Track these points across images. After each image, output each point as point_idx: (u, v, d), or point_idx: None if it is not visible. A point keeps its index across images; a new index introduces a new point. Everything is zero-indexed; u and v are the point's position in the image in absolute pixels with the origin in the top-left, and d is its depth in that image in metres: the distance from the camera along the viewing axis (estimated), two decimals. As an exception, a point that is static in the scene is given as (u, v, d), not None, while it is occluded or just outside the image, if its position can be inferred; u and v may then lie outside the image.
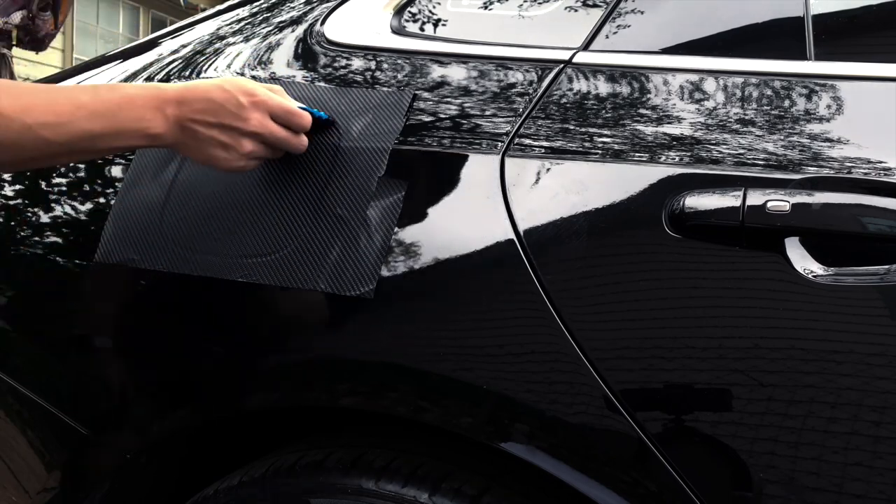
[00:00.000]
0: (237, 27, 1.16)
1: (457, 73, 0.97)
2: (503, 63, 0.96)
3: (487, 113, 0.92)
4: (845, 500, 0.75)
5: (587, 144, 0.87)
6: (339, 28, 1.06)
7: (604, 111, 0.89)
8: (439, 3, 1.06)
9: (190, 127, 0.91)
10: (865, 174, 0.78)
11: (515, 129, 0.90)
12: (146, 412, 1.01)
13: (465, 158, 0.90)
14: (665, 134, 0.85)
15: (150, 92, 0.92)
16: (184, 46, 1.17)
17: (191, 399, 0.99)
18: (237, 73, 1.08)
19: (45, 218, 1.10)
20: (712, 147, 0.83)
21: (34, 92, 0.88)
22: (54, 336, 1.07)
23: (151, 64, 1.16)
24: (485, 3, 1.04)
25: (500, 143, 0.89)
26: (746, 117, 0.84)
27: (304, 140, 0.95)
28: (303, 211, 0.93)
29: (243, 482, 0.96)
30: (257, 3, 1.19)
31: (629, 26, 0.95)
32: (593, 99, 0.90)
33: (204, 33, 1.18)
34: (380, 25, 1.05)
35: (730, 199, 0.79)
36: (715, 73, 0.87)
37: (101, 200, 1.08)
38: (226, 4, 1.24)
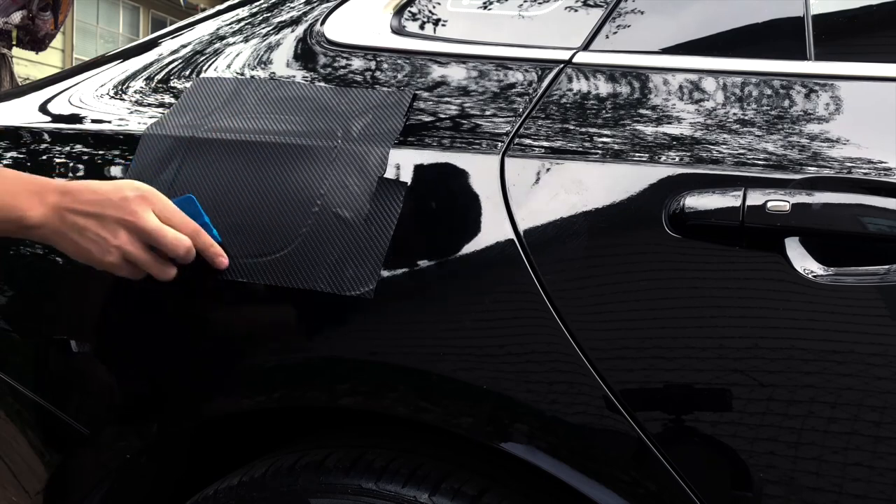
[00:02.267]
0: (237, 27, 1.16)
1: (457, 73, 0.97)
2: (503, 63, 0.96)
3: (487, 113, 0.92)
4: (845, 500, 0.76)
5: (587, 144, 0.87)
6: (339, 28, 1.06)
7: (604, 111, 0.89)
8: (439, 3, 1.06)
9: (69, 217, 0.89)
10: (865, 174, 0.78)
11: (515, 129, 0.90)
12: (146, 412, 1.01)
13: (464, 158, 0.90)
14: (665, 134, 0.85)
15: (32, 178, 0.91)
16: (184, 46, 1.17)
17: (190, 399, 0.99)
18: (237, 73, 1.08)
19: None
20: (712, 147, 0.83)
21: None
22: (54, 336, 1.07)
23: (151, 64, 1.16)
24: (485, 3, 1.04)
25: (500, 143, 0.89)
26: (746, 117, 0.84)
27: (171, 271, 0.93)
28: (303, 211, 0.93)
29: (243, 482, 0.96)
30: (257, 3, 1.19)
31: (629, 26, 0.95)
32: (593, 99, 0.90)
33: (204, 33, 1.18)
34: (380, 25, 1.05)
35: (730, 199, 0.79)
36: (715, 73, 0.87)
37: (101, 200, 1.07)
38: (226, 4, 1.24)
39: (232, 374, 0.96)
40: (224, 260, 0.93)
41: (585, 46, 0.94)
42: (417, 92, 0.96)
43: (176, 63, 1.14)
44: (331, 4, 1.09)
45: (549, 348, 0.82)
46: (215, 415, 0.99)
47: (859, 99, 0.83)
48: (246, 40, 1.13)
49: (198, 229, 0.92)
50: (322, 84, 1.02)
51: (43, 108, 1.18)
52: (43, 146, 1.13)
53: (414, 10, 1.06)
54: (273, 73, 1.07)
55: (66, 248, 0.92)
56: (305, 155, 0.95)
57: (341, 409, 0.95)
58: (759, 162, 0.81)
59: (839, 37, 0.92)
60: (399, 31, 1.04)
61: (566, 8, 0.99)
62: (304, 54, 1.07)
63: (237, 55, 1.11)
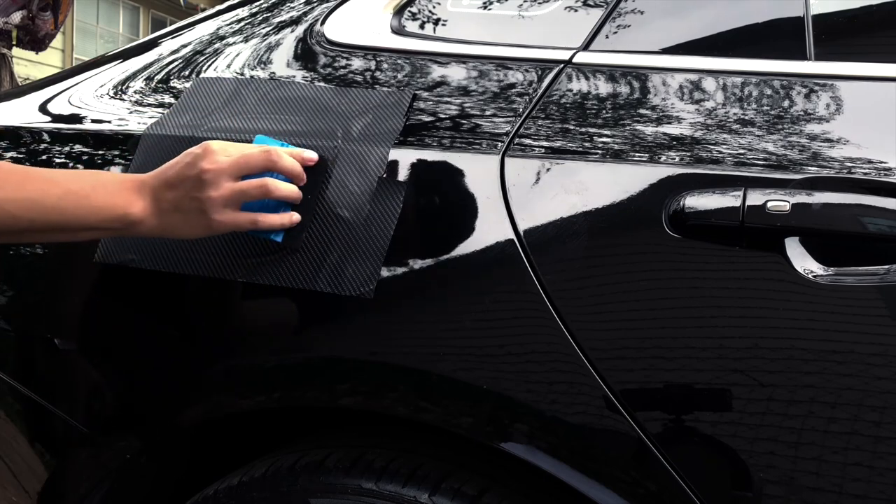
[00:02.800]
0: (237, 27, 1.16)
1: (457, 73, 0.97)
2: (503, 63, 0.96)
3: (487, 113, 0.92)
4: (845, 500, 0.76)
5: (587, 144, 0.87)
6: (339, 28, 1.06)
7: (604, 111, 0.89)
8: (439, 3, 1.06)
9: (163, 201, 0.89)
10: (865, 174, 0.78)
11: (515, 129, 0.90)
12: (146, 412, 1.01)
13: (464, 158, 0.90)
14: (665, 134, 0.85)
15: (124, 176, 0.91)
16: (184, 46, 1.17)
17: (190, 399, 0.99)
18: (237, 74, 1.08)
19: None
20: (712, 147, 0.83)
21: (9, 169, 0.86)
22: (54, 336, 1.07)
23: (151, 64, 1.16)
24: (485, 3, 1.04)
25: (500, 143, 0.89)
26: (746, 117, 0.84)
27: (288, 184, 0.90)
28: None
29: (243, 482, 0.96)
30: (257, 3, 1.19)
31: (629, 26, 0.95)
32: (593, 99, 0.90)
33: (204, 33, 1.18)
34: (380, 25, 1.05)
35: (730, 199, 0.79)
36: (715, 73, 0.87)
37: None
38: (226, 4, 1.24)
39: (232, 374, 0.96)
40: (313, 154, 0.92)
41: (585, 46, 0.94)
42: (417, 92, 0.96)
43: (176, 63, 1.14)
44: (331, 4, 1.09)
45: (549, 348, 0.82)
46: (215, 415, 0.99)
47: (859, 99, 0.83)
48: (246, 40, 1.13)
49: (266, 147, 0.91)
50: (322, 84, 1.01)
51: (43, 108, 1.18)
52: (43, 146, 1.13)
53: (414, 10, 1.06)
54: (273, 73, 1.07)
55: (178, 232, 0.91)
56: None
57: (341, 409, 0.95)
58: (759, 162, 0.81)
59: (839, 37, 0.92)
60: (399, 31, 1.04)
61: (566, 8, 0.99)
62: (304, 54, 1.07)
63: (237, 55, 1.11)
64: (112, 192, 0.89)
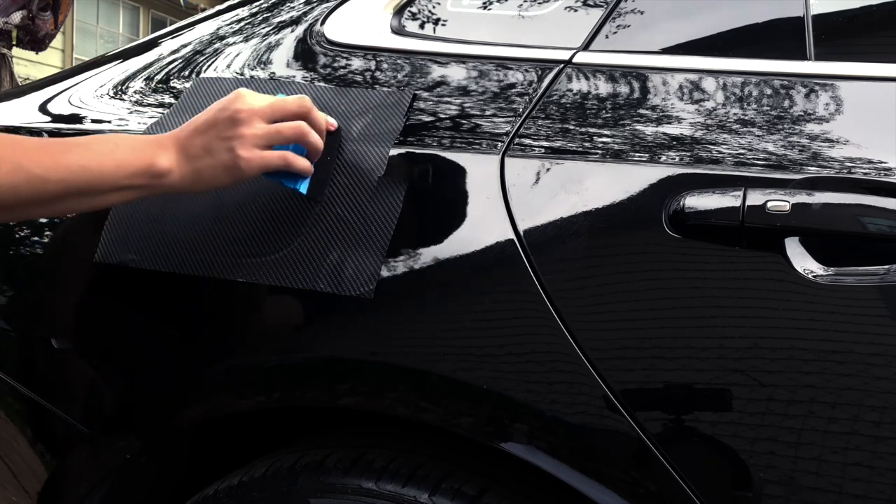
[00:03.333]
0: (237, 27, 1.16)
1: (457, 74, 0.97)
2: (503, 63, 0.96)
3: (487, 113, 0.92)
4: (845, 500, 0.76)
5: (587, 144, 0.87)
6: (338, 28, 1.06)
7: (604, 111, 0.89)
8: (439, 3, 1.06)
9: (192, 147, 0.89)
10: (865, 174, 0.78)
11: (515, 129, 0.90)
12: (146, 412, 1.01)
13: (464, 158, 0.90)
14: (665, 134, 0.85)
15: (146, 136, 0.91)
16: (184, 46, 1.17)
17: (190, 399, 0.99)
18: (237, 74, 1.08)
19: (44, 218, 1.10)
20: (712, 147, 0.83)
21: (29, 138, 0.86)
22: (54, 336, 1.07)
23: (151, 64, 1.16)
24: (485, 3, 1.04)
25: (500, 143, 0.89)
26: (746, 117, 0.84)
27: (314, 133, 0.91)
28: (303, 211, 0.93)
29: (243, 482, 0.96)
30: (257, 3, 1.19)
31: (629, 26, 0.95)
32: (593, 99, 0.90)
33: (204, 33, 1.18)
34: (380, 25, 1.05)
35: (730, 199, 0.79)
36: (715, 73, 0.87)
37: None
38: (226, 4, 1.24)
39: (232, 374, 0.96)
40: (333, 121, 0.94)
41: (585, 46, 0.94)
42: (417, 92, 0.96)
43: (176, 63, 1.14)
44: (331, 4, 1.09)
45: (549, 348, 0.82)
46: (215, 415, 0.99)
47: (859, 99, 0.83)
48: (246, 40, 1.13)
49: (301, 96, 0.92)
50: (322, 84, 1.01)
51: (43, 108, 1.18)
52: None
53: (414, 10, 1.06)
54: (273, 73, 1.07)
55: (207, 178, 0.90)
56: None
57: (341, 409, 0.95)
58: (759, 162, 0.81)
59: (839, 37, 0.92)
60: (399, 31, 1.04)
61: (566, 8, 0.99)
62: (304, 54, 1.07)
63: (237, 55, 1.11)
64: (136, 146, 0.88)
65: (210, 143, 0.89)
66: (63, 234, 1.09)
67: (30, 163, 0.83)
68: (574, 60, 0.93)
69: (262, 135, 0.89)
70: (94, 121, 1.12)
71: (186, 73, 1.12)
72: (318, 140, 0.92)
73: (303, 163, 0.91)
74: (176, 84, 1.11)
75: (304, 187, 0.92)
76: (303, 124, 0.90)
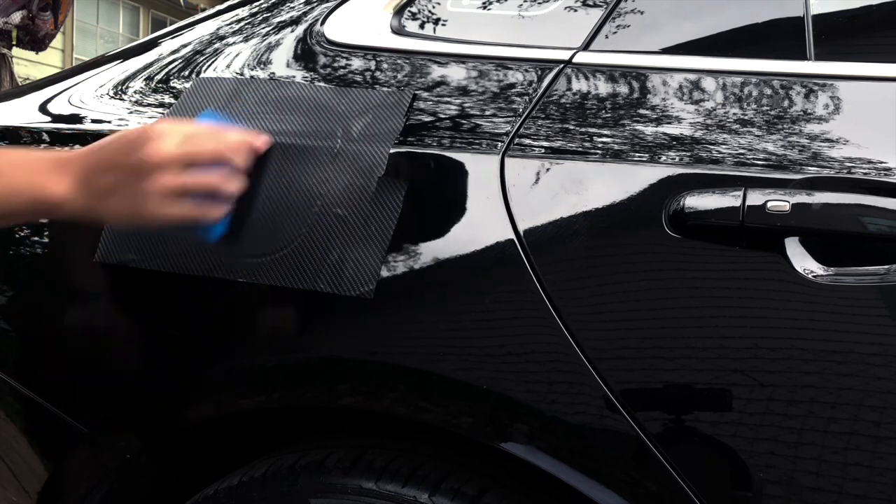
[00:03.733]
0: (237, 27, 1.16)
1: (457, 74, 0.97)
2: (503, 63, 0.96)
3: (487, 113, 0.92)
4: (845, 500, 0.76)
5: (587, 144, 0.87)
6: (338, 28, 1.06)
7: (604, 111, 0.89)
8: (439, 3, 1.06)
9: (95, 183, 0.82)
10: (865, 174, 0.78)
11: (515, 129, 0.90)
12: (146, 412, 1.01)
13: (465, 158, 0.90)
14: (665, 134, 0.85)
15: (48, 154, 0.84)
16: (184, 46, 1.17)
17: (190, 399, 0.99)
18: (237, 74, 1.08)
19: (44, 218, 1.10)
20: (712, 147, 0.83)
21: None
22: (54, 336, 1.07)
23: (151, 64, 1.16)
24: (484, 3, 1.04)
25: (500, 143, 0.89)
26: (746, 117, 0.84)
27: (234, 182, 0.85)
28: (303, 211, 0.93)
29: (243, 482, 0.96)
30: (257, 3, 1.19)
31: (629, 26, 0.95)
32: (593, 99, 0.90)
33: (204, 33, 1.18)
34: (380, 25, 1.05)
35: (730, 199, 0.79)
36: (715, 73, 0.87)
37: (101, 200, 1.07)
38: (226, 4, 1.24)
39: (232, 374, 0.96)
40: (264, 139, 0.87)
41: (585, 46, 0.94)
42: (417, 92, 0.96)
43: (176, 63, 1.14)
44: (331, 4, 1.09)
45: (549, 348, 0.82)
46: (215, 415, 0.99)
47: (859, 99, 0.83)
48: (246, 40, 1.13)
49: (216, 129, 0.85)
50: (322, 84, 1.01)
51: (43, 108, 1.18)
52: (42, 146, 1.13)
53: (414, 10, 1.06)
54: (273, 73, 1.07)
55: (108, 218, 0.85)
56: (305, 155, 0.95)
57: (341, 409, 0.95)
58: (759, 162, 0.81)
59: (839, 37, 0.92)
60: (399, 31, 1.04)
61: (566, 8, 0.99)
62: (304, 54, 1.07)
63: (237, 55, 1.11)
64: (31, 170, 0.82)
65: (115, 187, 0.82)
66: (63, 233, 1.09)
67: None
68: (574, 60, 0.93)
69: (172, 188, 0.82)
70: (94, 121, 1.12)
71: (186, 73, 1.12)
72: (235, 189, 0.85)
73: (214, 214, 0.85)
74: (176, 84, 1.11)
75: (216, 233, 0.87)
76: (215, 178, 0.84)
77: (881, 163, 0.78)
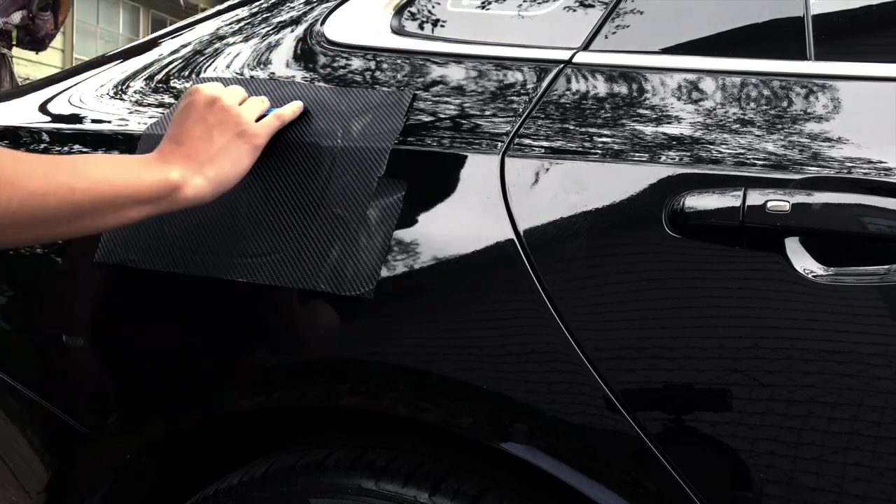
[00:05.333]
0: (237, 27, 1.16)
1: (456, 73, 0.97)
2: (503, 63, 0.96)
3: (487, 113, 0.92)
4: (845, 500, 0.76)
5: (587, 144, 0.87)
6: (338, 28, 1.06)
7: (603, 111, 0.89)
8: (439, 3, 1.06)
9: (204, 151, 0.89)
10: (865, 174, 0.78)
11: (515, 129, 0.90)
12: (146, 412, 1.01)
13: (464, 158, 0.90)
14: (665, 134, 0.85)
15: (144, 156, 0.90)
16: (184, 46, 1.17)
17: (190, 399, 0.99)
18: (237, 74, 1.08)
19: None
20: (712, 147, 0.83)
21: (33, 155, 0.83)
22: (54, 336, 1.07)
23: (151, 64, 1.16)
24: (484, 3, 1.04)
25: (500, 143, 0.89)
26: (746, 117, 0.84)
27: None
28: (303, 211, 0.93)
29: (243, 482, 0.96)
30: (257, 3, 1.19)
31: (629, 26, 0.95)
32: (593, 99, 0.90)
33: (204, 33, 1.18)
34: (380, 25, 1.05)
35: (730, 199, 0.79)
36: (714, 73, 0.87)
37: (101, 200, 1.07)
38: (226, 4, 1.24)
39: (231, 374, 0.96)
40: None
41: (585, 46, 0.94)
42: (417, 92, 0.96)
43: (176, 63, 1.15)
44: (331, 4, 1.09)
45: (549, 348, 0.82)
46: (215, 415, 0.99)
47: (859, 99, 0.83)
48: (246, 40, 1.13)
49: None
50: (322, 84, 1.01)
51: (43, 108, 1.18)
52: (42, 146, 1.13)
53: (414, 10, 1.06)
54: (273, 73, 1.07)
55: (231, 178, 0.90)
56: (305, 154, 0.95)
57: (341, 409, 0.95)
58: (759, 162, 0.81)
59: (839, 37, 0.92)
60: (399, 31, 1.04)
61: (566, 8, 0.99)
62: (304, 54, 1.07)
63: (237, 55, 1.11)
64: (146, 162, 0.88)
65: (218, 140, 0.90)
66: (63, 234, 1.09)
67: (56, 171, 0.80)
68: (574, 60, 0.93)
69: (251, 115, 0.93)
70: (94, 121, 1.12)
71: (186, 73, 1.12)
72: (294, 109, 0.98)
73: (290, 111, 0.97)
74: (176, 84, 1.11)
75: None
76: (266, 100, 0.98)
77: (881, 163, 0.78)
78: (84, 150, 1.09)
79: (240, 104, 0.94)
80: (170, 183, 0.86)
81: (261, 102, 0.96)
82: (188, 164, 0.88)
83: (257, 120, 0.94)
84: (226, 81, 1.05)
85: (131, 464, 1.01)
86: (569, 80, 0.92)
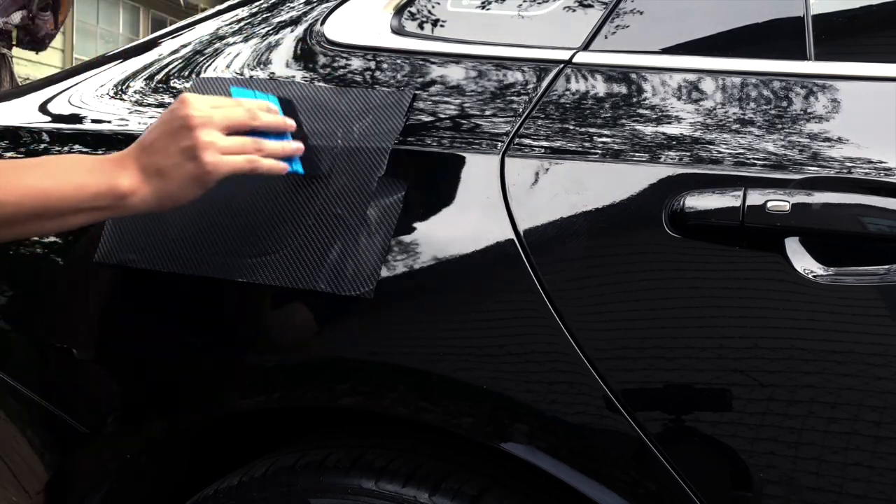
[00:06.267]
0: (237, 27, 1.16)
1: (456, 73, 0.97)
2: (503, 63, 0.96)
3: (487, 113, 0.92)
4: (845, 500, 0.76)
5: (587, 144, 0.87)
6: (338, 28, 1.06)
7: (603, 111, 0.89)
8: (439, 3, 1.06)
9: (155, 164, 0.86)
10: (865, 174, 0.78)
11: (515, 129, 0.90)
12: (146, 412, 1.01)
13: (464, 158, 0.90)
14: (665, 134, 0.85)
15: (105, 157, 0.89)
16: (184, 46, 1.17)
17: (191, 399, 0.99)
18: (237, 74, 1.08)
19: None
20: (712, 147, 0.83)
21: None
22: (54, 336, 1.07)
23: (151, 64, 1.16)
24: (484, 3, 1.04)
25: (500, 143, 0.89)
26: (746, 117, 0.84)
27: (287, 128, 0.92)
28: (303, 211, 0.93)
29: (243, 482, 0.96)
30: (257, 3, 1.19)
31: (629, 26, 0.95)
32: (593, 99, 0.90)
33: (204, 33, 1.18)
34: (380, 25, 1.05)
35: (730, 199, 0.79)
36: (714, 73, 0.87)
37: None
38: (226, 4, 1.24)
39: (232, 374, 0.96)
40: (291, 122, 0.93)
41: (585, 46, 0.94)
42: (417, 92, 0.96)
43: (176, 63, 1.14)
44: (331, 4, 1.09)
45: (549, 348, 0.82)
46: (214, 415, 0.99)
47: (859, 99, 0.83)
48: (246, 40, 1.13)
49: (247, 106, 0.90)
50: (322, 84, 1.01)
51: (43, 108, 1.18)
52: (42, 146, 1.13)
53: (414, 10, 1.06)
54: (273, 73, 1.07)
55: (177, 196, 0.87)
56: (305, 155, 0.95)
57: (341, 409, 0.95)
58: (759, 162, 0.81)
59: (839, 37, 0.92)
60: (399, 31, 1.04)
61: (566, 8, 0.99)
62: (304, 54, 1.07)
63: (237, 55, 1.11)
64: (93, 168, 0.86)
65: (169, 158, 0.86)
66: (63, 234, 1.09)
67: None
68: (574, 60, 0.93)
69: (223, 146, 0.86)
70: (94, 121, 1.12)
71: (186, 73, 1.12)
72: (276, 146, 0.90)
73: (268, 165, 0.89)
74: (176, 84, 1.11)
75: (298, 166, 0.92)
76: (260, 141, 0.89)
77: (881, 163, 0.78)
78: (84, 150, 1.09)
79: (223, 126, 0.87)
80: (117, 190, 0.86)
81: (250, 119, 0.89)
82: (140, 174, 0.87)
83: (258, 135, 0.90)
84: (226, 81, 1.05)
85: (131, 464, 1.01)
86: (569, 80, 0.92)
